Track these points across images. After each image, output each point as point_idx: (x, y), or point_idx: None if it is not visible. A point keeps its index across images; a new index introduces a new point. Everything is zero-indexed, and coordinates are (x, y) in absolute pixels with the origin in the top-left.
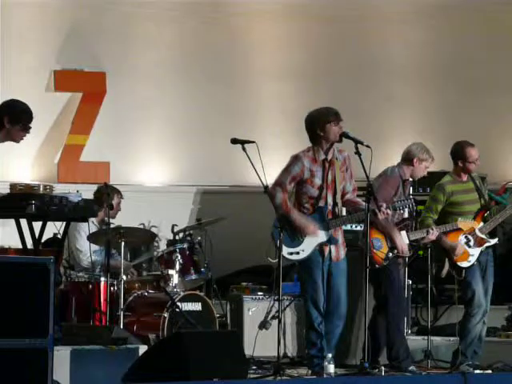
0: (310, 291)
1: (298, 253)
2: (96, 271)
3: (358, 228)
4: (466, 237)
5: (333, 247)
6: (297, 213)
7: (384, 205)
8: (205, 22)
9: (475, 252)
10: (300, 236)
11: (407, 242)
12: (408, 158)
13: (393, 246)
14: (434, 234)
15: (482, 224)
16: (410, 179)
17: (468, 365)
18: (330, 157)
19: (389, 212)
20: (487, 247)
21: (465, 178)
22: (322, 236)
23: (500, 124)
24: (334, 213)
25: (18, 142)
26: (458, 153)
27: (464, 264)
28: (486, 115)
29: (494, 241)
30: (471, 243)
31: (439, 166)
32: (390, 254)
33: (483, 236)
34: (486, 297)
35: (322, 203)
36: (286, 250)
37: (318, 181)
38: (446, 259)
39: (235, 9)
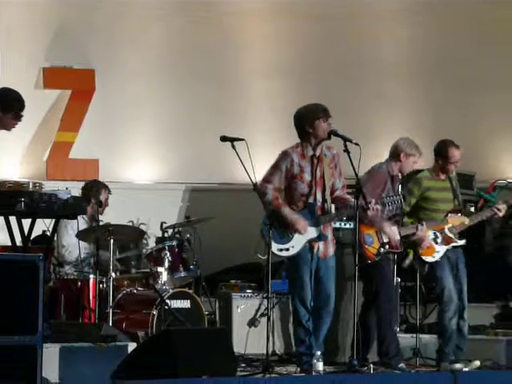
0: (298, 288)
1: (287, 249)
2: (84, 268)
3: (348, 226)
4: (434, 233)
5: (322, 244)
6: (288, 209)
7: (373, 201)
8: (195, 20)
9: (441, 249)
10: (290, 232)
11: (398, 237)
12: (395, 153)
13: (384, 242)
14: (423, 230)
15: (452, 224)
16: (399, 175)
17: (451, 361)
18: (318, 153)
19: (378, 208)
20: (455, 247)
21: (443, 176)
22: (311, 232)
23: (488, 122)
24: (323, 209)
25: (9, 130)
26: (441, 151)
27: (428, 259)
28: (474, 113)
29: (461, 242)
30: (438, 240)
31: (427, 163)
32: (382, 250)
33: (451, 235)
34: (461, 295)
35: (311, 199)
36: (275, 247)
37: (307, 176)
38: (412, 251)
39: (227, 8)
